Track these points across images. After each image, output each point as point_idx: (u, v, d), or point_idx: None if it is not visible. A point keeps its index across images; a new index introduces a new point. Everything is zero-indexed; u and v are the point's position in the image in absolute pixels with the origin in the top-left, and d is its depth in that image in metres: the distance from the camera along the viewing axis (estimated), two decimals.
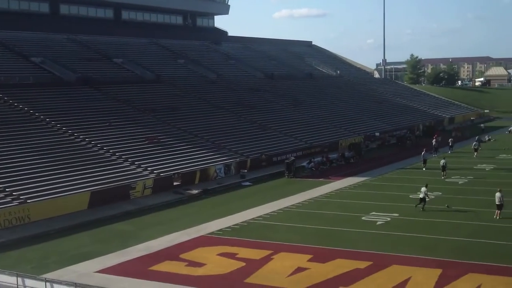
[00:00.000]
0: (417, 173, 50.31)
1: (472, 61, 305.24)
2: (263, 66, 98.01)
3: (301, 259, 26.97)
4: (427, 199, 36.24)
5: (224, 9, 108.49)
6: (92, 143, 49.22)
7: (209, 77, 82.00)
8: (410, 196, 40.39)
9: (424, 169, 50.80)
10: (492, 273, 24.25)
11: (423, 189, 36.30)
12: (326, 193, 42.89)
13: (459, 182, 45.11)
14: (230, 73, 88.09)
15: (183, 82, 75.43)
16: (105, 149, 48.63)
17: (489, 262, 25.78)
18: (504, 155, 58.98)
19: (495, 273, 24.13)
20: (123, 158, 47.74)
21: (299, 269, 25.57)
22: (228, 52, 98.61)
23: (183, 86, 73.97)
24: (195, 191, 44.44)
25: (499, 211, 33.40)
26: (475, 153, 59.12)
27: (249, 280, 24.57)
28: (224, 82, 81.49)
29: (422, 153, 52.95)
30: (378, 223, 33.57)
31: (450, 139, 65.08)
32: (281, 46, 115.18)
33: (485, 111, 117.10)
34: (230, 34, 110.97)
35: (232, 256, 27.93)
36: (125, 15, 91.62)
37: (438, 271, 24.65)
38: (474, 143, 60.88)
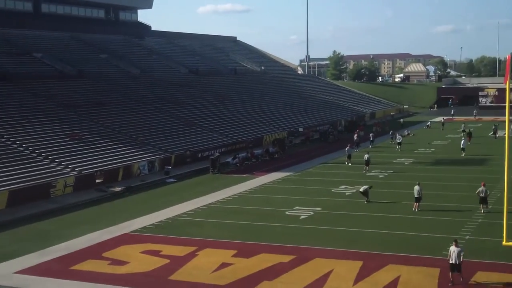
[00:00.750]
0: (339, 168, 51.28)
1: (392, 57, 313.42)
2: (187, 61, 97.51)
3: (226, 255, 27.05)
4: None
5: (148, 3, 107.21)
6: (11, 140, 47.78)
7: (132, 73, 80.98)
8: (333, 190, 41.20)
9: (350, 164, 51.54)
10: (410, 263, 24.97)
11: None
12: (250, 189, 43.13)
13: (380, 176, 46.22)
14: (154, 68, 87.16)
15: (105, 78, 74.16)
16: (24, 147, 47.31)
17: (408, 253, 26.54)
18: (423, 149, 60.80)
19: (413, 264, 24.87)
20: (43, 155, 46.54)
21: (224, 265, 25.64)
22: (151, 47, 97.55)
23: (106, 81, 72.72)
24: (118, 189, 43.88)
25: (417, 204, 34.43)
26: (399, 147, 61.02)
27: (173, 277, 24.46)
28: (148, 78, 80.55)
29: (347, 148, 53.91)
30: (302, 217, 34.01)
31: (371, 134, 66.69)
32: (206, 41, 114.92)
33: (405, 106, 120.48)
34: (153, 28, 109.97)
35: (156, 253, 27.72)
36: (45, 8, 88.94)
37: (359, 263, 25.21)
38: (398, 137, 62.67)
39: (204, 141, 61.76)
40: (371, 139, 64.86)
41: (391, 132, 67.72)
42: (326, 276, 23.91)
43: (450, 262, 22.66)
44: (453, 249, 22.67)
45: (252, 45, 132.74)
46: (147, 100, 70.24)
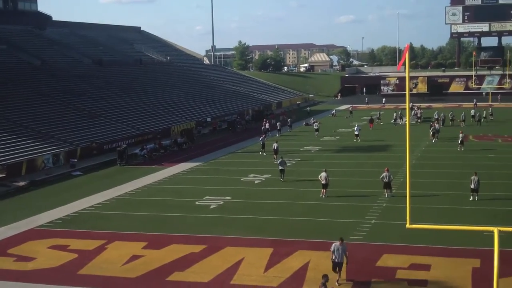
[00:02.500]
0: (248, 157, 51.70)
1: (297, 47, 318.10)
2: (90, 52, 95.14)
3: (136, 247, 26.74)
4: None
5: None
6: None
7: (34, 64, 78.32)
8: (242, 179, 41.49)
9: (264, 154, 51.45)
10: (319, 249, 25.46)
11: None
12: (159, 180, 42.79)
13: (288, 164, 46.86)
14: (56, 59, 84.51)
15: (4, 69, 71.28)
16: None
17: (317, 238, 27.08)
18: (328, 137, 62.16)
19: (322, 249, 25.36)
20: None
21: (134, 257, 25.34)
22: (53, 37, 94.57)
23: (5, 73, 69.89)
24: (22, 183, 42.46)
25: (325, 190, 35.19)
26: (316, 133, 63.15)
27: (82, 271, 23.94)
28: (49, 69, 78.16)
29: (261, 138, 54.25)
30: (212, 206, 34.05)
31: (278, 123, 67.63)
32: (109, 32, 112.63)
33: (310, 95, 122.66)
34: (55, 18, 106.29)
35: (63, 248, 27.05)
36: None
37: (270, 250, 25.53)
38: (314, 123, 64.10)
39: (111, 132, 60.71)
40: (278, 128, 65.75)
41: (305, 120, 68.86)
42: (237, 264, 24.07)
43: (333, 259, 21.72)
44: (336, 246, 21.78)
45: (158, 35, 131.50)
46: (50, 92, 68.20)
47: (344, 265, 21.78)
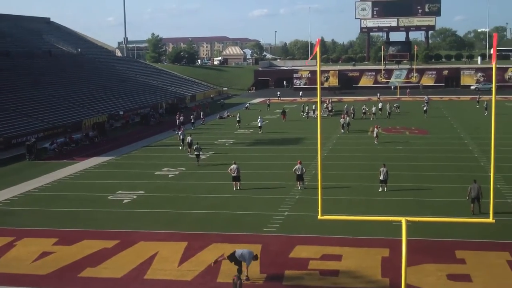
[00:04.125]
0: (162, 151, 51.30)
1: (210, 40, 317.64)
2: None
3: (46, 243, 26.08)
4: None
5: None
6: None
7: None
8: (156, 173, 41.18)
9: (184, 148, 50.35)
10: (233, 241, 25.65)
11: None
12: (70, 174, 41.85)
13: (202, 157, 46.85)
14: None
15: None
16: None
17: (231, 231, 27.27)
18: (242, 131, 62.49)
19: (236, 241, 25.57)
20: None
21: (44, 254, 24.72)
22: None
23: None
24: None
25: (237, 183, 35.39)
26: (238, 125, 64.63)
27: None
28: None
29: (179, 132, 53.65)
30: (125, 201, 33.63)
31: (191, 116, 67.40)
32: (16, 22, 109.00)
33: (224, 88, 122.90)
34: None
35: None
36: None
37: (184, 244, 25.49)
38: (259, 120, 64.05)
39: (19, 126, 58.90)
40: (192, 121, 65.58)
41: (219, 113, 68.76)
42: (151, 259, 23.91)
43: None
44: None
45: (68, 26, 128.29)
46: None
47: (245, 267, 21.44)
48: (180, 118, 65.54)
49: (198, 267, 22.82)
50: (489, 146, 17.96)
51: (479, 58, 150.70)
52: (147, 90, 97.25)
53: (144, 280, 21.87)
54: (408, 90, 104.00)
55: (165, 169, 42.58)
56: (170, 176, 40.42)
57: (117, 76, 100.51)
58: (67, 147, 53.12)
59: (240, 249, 21.40)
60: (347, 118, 61.29)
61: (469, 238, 25.31)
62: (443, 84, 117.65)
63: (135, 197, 34.55)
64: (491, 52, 15.59)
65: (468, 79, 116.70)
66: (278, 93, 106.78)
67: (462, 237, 25.44)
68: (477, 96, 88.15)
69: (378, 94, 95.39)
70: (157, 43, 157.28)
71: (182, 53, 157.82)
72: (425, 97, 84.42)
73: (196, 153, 43.03)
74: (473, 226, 26.13)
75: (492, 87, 17.52)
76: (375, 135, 52.26)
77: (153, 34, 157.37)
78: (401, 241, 17.63)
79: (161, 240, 26.23)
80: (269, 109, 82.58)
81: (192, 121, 65.52)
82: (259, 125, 61.19)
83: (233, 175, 35.37)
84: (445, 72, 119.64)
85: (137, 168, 43.79)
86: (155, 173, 41.32)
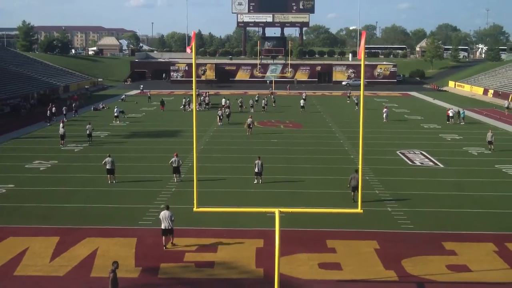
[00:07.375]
0: (33, 143, 49.46)
1: (85, 30, 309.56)
2: None
3: None
4: None
5: None
6: None
7: None
8: (26, 166, 39.71)
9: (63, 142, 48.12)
10: (108, 235, 25.34)
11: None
12: None
13: (75, 150, 45.72)
14: None
15: None
16: None
17: (106, 225, 26.89)
18: (118, 123, 61.42)
19: (111, 235, 25.28)
20: None
21: None
22: None
23: None
24: None
25: (111, 176, 34.89)
26: (117, 120, 62.69)
27: None
28: None
29: (60, 126, 51.18)
30: None
31: (64, 108, 65.50)
32: None
33: (99, 79, 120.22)
34: None
35: None
36: None
37: (56, 239, 24.85)
38: (226, 110, 62.93)
39: None
40: (64, 112, 63.76)
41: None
42: (21, 254, 23.14)
43: (162, 227, 24.14)
44: (164, 214, 24.22)
45: None
46: None
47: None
48: (52, 109, 63.44)
49: (71, 262, 22.36)
50: (358, 140, 18.84)
51: (350, 55, 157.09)
52: (17, 80, 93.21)
53: (14, 277, 21.15)
54: (288, 86, 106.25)
55: (37, 161, 41.14)
56: (41, 169, 39.10)
57: None
58: None
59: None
60: (227, 110, 61.94)
61: (339, 227, 26.42)
62: (316, 79, 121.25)
63: (4, 191, 33.18)
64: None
65: (339, 75, 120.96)
66: (141, 86, 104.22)
67: (332, 227, 26.50)
68: (348, 92, 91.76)
69: (304, 94, 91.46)
70: (28, 31, 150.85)
71: (55, 42, 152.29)
72: (303, 93, 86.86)
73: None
74: (343, 216, 27.32)
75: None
76: (247, 127, 53.25)
77: (24, 21, 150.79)
78: (274, 231, 18.14)
79: (32, 235, 25.42)
80: (150, 102, 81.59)
81: (64, 113, 63.63)
82: (115, 114, 62.91)
83: (107, 168, 34.83)
84: (318, 68, 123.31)
85: (6, 160, 41.96)
86: (26, 166, 39.82)
